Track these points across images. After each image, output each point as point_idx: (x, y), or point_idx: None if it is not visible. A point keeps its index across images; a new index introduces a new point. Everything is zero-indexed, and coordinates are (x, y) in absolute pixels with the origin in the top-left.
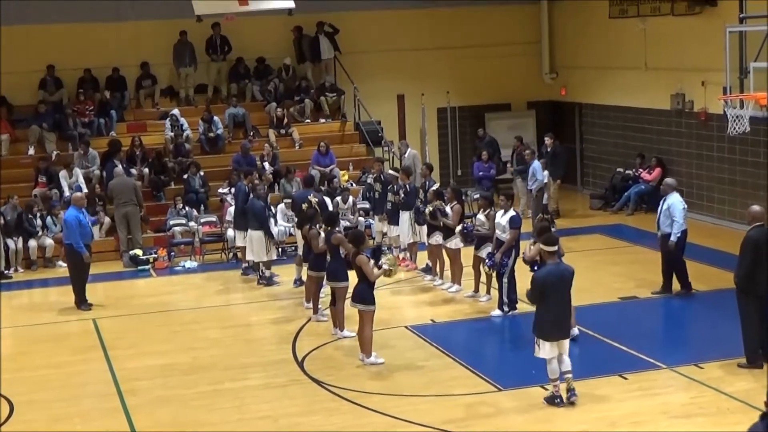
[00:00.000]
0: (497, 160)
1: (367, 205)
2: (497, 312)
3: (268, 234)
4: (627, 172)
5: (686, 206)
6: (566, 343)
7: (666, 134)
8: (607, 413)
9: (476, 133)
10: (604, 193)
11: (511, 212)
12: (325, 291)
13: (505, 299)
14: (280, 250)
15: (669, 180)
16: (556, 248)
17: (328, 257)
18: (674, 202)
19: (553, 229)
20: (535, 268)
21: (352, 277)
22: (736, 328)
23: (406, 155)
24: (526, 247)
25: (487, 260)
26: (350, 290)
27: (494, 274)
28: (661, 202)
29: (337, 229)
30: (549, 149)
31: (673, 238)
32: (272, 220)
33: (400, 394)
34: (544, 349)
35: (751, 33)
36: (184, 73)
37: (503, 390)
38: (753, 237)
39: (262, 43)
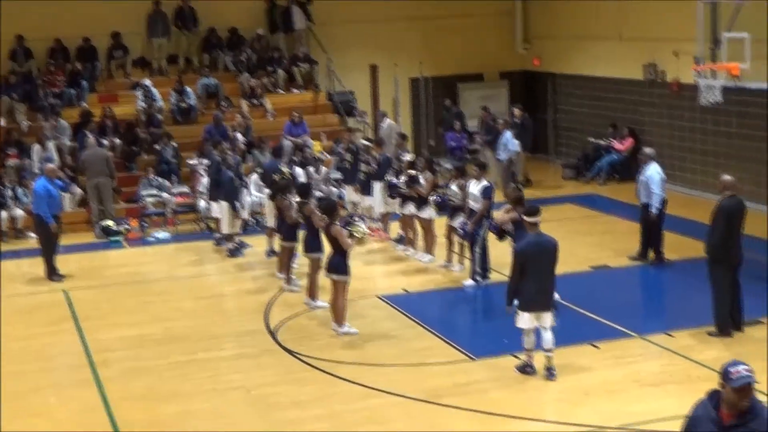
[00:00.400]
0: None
1: (339, 176)
2: (470, 281)
3: (233, 206)
4: (600, 142)
5: (665, 176)
6: (547, 316)
7: (638, 104)
8: (580, 382)
9: (443, 104)
10: (577, 162)
11: (484, 182)
12: (299, 261)
13: (478, 269)
14: (254, 220)
15: (647, 150)
16: (538, 219)
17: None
18: (652, 173)
19: None
20: (505, 236)
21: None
22: (707, 296)
23: (383, 125)
24: (500, 213)
25: (459, 230)
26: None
27: (467, 244)
28: (640, 172)
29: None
30: (518, 120)
31: (654, 210)
32: (245, 191)
33: (373, 363)
34: (523, 320)
35: (723, 3)
36: (157, 43)
37: (476, 359)
38: (725, 206)
39: (234, 14)
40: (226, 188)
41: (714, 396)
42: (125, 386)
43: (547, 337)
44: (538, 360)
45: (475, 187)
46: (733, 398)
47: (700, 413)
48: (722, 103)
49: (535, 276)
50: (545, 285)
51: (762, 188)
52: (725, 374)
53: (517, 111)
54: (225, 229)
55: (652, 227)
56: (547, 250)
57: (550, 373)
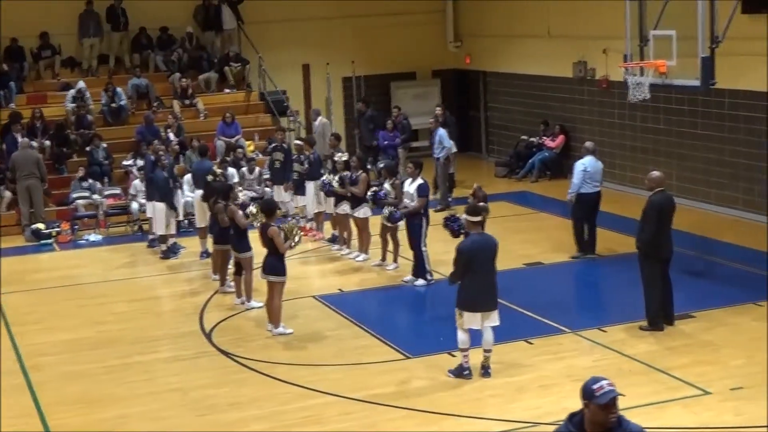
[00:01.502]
0: (377, 136)
1: (268, 175)
2: (421, 281)
3: (170, 207)
4: (531, 139)
5: (589, 168)
6: (493, 315)
7: (569, 102)
8: (513, 378)
9: (356, 108)
10: (509, 160)
11: (419, 180)
12: (232, 261)
13: (428, 267)
14: (186, 222)
15: (587, 143)
16: (480, 218)
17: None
18: (577, 164)
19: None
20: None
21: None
22: (638, 291)
23: (316, 123)
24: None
25: (386, 214)
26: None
27: (403, 244)
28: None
29: (239, 201)
30: (440, 119)
31: (568, 197)
32: (179, 192)
33: (310, 363)
34: (471, 321)
35: (650, 1)
36: (88, 43)
37: (412, 357)
38: (656, 202)
39: (164, 13)
40: (161, 189)
41: (575, 418)
42: (59, 391)
43: (488, 337)
44: (474, 357)
45: (410, 186)
46: (600, 416)
47: None
48: (650, 100)
49: (481, 275)
50: (491, 284)
51: (688, 183)
52: (588, 392)
53: (438, 110)
54: (161, 230)
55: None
56: (491, 249)
57: (485, 372)
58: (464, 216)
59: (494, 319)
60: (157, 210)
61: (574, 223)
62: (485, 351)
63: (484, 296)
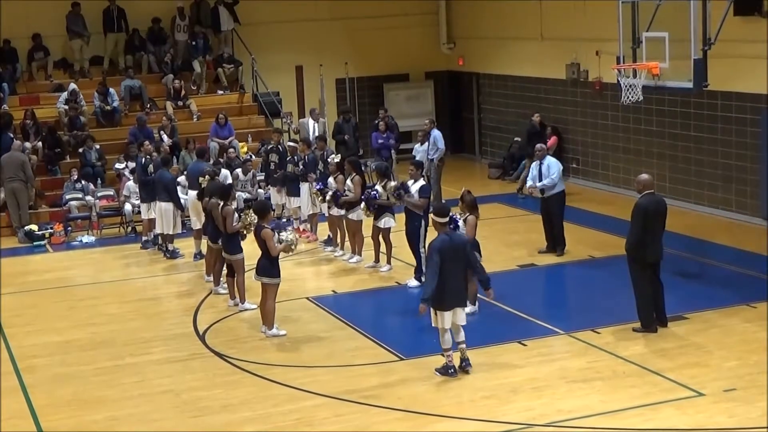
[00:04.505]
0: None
1: (262, 177)
2: (414, 282)
3: (177, 206)
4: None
5: (561, 166)
6: (461, 312)
7: (562, 103)
8: (507, 379)
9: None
10: (502, 162)
11: (421, 181)
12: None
13: (425, 269)
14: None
15: (539, 145)
16: (447, 219)
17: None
18: (551, 162)
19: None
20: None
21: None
22: (631, 293)
23: (318, 124)
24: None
25: (367, 194)
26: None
27: (395, 245)
28: (537, 167)
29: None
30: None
31: (540, 186)
32: None
33: (303, 365)
34: (442, 319)
35: (643, 3)
36: (77, 44)
37: (405, 359)
38: (642, 204)
39: (161, 14)
40: (169, 189)
41: None
42: (51, 393)
43: (461, 330)
44: (454, 355)
45: (411, 187)
46: None
47: None
48: (643, 102)
49: (450, 274)
50: (460, 282)
51: (680, 185)
52: None
53: (427, 123)
54: (168, 229)
55: (552, 217)
56: (461, 248)
57: (466, 363)
58: (432, 217)
59: (461, 318)
60: (164, 210)
61: (560, 218)
62: (460, 343)
63: (452, 295)
